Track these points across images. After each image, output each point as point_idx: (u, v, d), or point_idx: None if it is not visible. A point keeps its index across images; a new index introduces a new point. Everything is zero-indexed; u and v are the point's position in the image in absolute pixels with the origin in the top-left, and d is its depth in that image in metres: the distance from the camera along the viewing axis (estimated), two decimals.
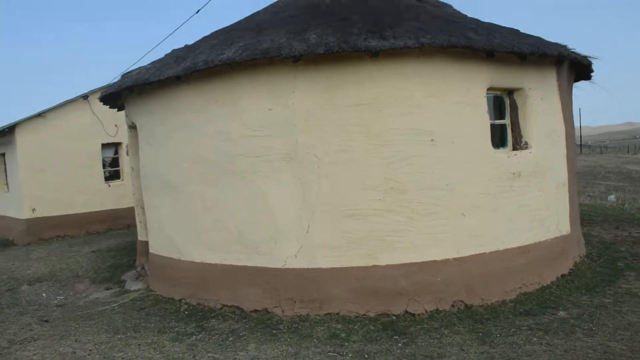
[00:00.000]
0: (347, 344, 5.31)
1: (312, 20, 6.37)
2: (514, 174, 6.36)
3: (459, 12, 7.94)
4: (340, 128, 5.91)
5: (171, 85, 6.76)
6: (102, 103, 8.65)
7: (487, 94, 6.42)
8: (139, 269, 8.69)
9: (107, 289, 8.18)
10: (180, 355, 5.24)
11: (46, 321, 6.62)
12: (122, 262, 9.66)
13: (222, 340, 5.59)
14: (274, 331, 5.75)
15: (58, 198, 13.38)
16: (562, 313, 5.77)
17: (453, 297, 6.00)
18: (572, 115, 7.83)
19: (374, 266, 5.96)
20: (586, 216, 11.06)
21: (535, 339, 5.09)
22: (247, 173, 6.28)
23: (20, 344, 5.84)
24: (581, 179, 21.99)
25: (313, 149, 5.96)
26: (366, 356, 4.97)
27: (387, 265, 5.95)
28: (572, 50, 7.07)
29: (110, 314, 6.80)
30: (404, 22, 6.06)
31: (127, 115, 8.34)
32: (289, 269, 6.15)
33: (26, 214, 13.10)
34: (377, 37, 5.66)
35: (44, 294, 8.15)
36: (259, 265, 6.32)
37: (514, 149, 6.74)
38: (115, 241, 12.12)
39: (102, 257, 10.28)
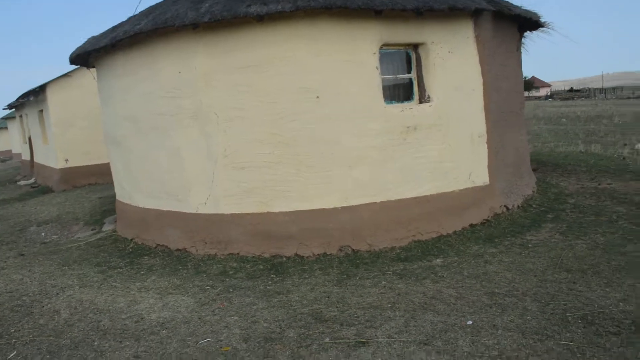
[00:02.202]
0: (228, 279, 6.24)
1: None
2: (408, 127, 6.76)
3: None
4: (233, 88, 6.62)
5: (110, 52, 7.78)
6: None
7: (387, 49, 6.82)
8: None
9: (92, 230, 9.67)
10: (91, 283, 6.46)
11: (22, 255, 8.17)
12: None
13: (134, 274, 6.74)
14: (179, 267, 6.81)
15: (87, 150, 15.27)
16: (437, 260, 6.25)
17: (340, 243, 6.67)
18: (508, 66, 7.88)
19: (267, 213, 6.76)
20: (572, 165, 10.93)
21: (384, 282, 5.68)
22: (165, 129, 7.24)
23: None
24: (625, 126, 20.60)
25: (213, 108, 6.75)
26: (231, 290, 5.87)
27: (279, 212, 6.72)
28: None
29: (74, 250, 8.21)
30: None
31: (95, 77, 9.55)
32: (201, 214, 7.12)
33: (60, 164, 15.14)
34: (259, 3, 6.22)
35: (42, 233, 9.81)
36: (179, 211, 7.36)
37: (420, 102, 7.08)
38: None
39: (103, 203, 11.89)
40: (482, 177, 7.42)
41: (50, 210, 11.93)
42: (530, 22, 8.29)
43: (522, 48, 9.07)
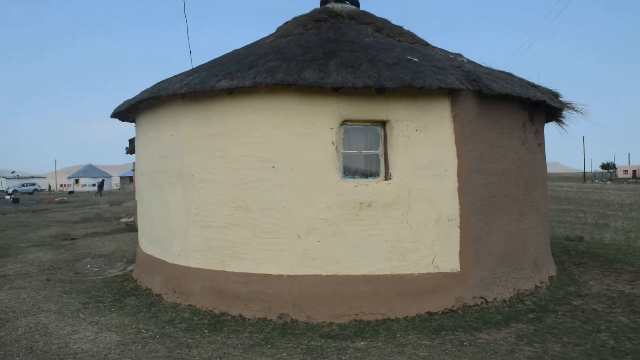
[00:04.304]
0: (168, 327, 6.93)
1: (217, 64, 8.10)
2: (361, 203, 7.02)
3: (407, 41, 8.64)
4: (208, 153, 7.52)
5: (136, 113, 9.26)
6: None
7: (354, 125, 7.25)
8: None
9: (122, 268, 11.06)
10: (65, 311, 7.58)
11: (48, 280, 9.72)
12: None
13: (105, 309, 7.75)
14: (143, 310, 7.68)
15: None
16: (361, 343, 6.24)
17: (281, 310, 7.03)
18: (504, 147, 7.75)
19: (224, 271, 7.40)
20: (625, 262, 9.91)
21: (285, 354, 5.88)
22: (160, 185, 8.36)
23: (10, 289, 8.96)
24: None
25: (191, 169, 7.71)
26: (158, 337, 6.56)
27: (232, 272, 7.33)
28: (465, 79, 7.17)
29: (89, 283, 9.55)
30: (268, 62, 7.33)
31: None
32: (175, 264, 8.00)
33: None
34: (228, 79, 7.14)
35: (88, 265, 11.44)
36: (162, 259, 8.32)
37: (386, 179, 7.30)
38: None
39: None
40: (450, 263, 7.28)
41: (110, 246, 13.78)
42: (539, 102, 8.01)
43: (532, 128, 8.69)
